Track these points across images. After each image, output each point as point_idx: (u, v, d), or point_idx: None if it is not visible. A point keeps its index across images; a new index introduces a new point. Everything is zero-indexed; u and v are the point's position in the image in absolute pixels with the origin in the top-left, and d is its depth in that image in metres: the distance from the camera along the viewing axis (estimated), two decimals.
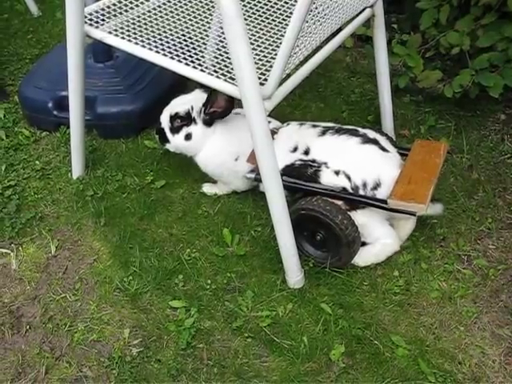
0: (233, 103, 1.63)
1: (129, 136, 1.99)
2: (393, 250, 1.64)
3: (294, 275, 1.56)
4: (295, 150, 1.65)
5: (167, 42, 1.50)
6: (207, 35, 1.56)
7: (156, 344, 1.47)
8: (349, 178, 1.57)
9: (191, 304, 1.53)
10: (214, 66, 1.42)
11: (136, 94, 1.98)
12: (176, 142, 1.75)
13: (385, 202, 1.54)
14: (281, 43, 1.28)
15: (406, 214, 1.55)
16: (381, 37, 1.82)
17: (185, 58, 1.45)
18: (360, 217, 1.58)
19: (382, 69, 1.87)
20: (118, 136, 1.97)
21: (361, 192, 1.57)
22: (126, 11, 1.61)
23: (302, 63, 1.47)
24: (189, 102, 1.73)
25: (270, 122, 1.67)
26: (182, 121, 1.72)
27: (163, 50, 1.47)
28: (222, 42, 1.54)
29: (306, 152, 1.63)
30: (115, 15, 1.60)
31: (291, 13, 1.39)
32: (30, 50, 2.48)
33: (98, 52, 2.01)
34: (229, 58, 1.41)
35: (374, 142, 1.64)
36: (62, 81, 1.98)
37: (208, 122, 1.73)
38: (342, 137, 1.64)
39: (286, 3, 1.69)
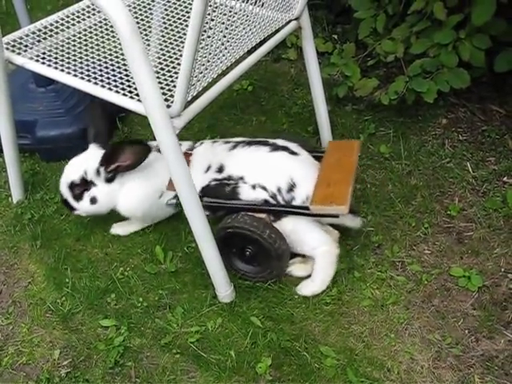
0: (146, 150, 1.62)
1: (70, 158, 2.00)
2: (335, 255, 1.62)
3: (223, 290, 1.56)
4: (208, 169, 1.65)
5: (87, 66, 1.52)
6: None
7: (85, 364, 1.47)
8: (264, 188, 1.58)
9: (121, 322, 1.54)
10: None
11: (76, 117, 2.00)
12: (83, 209, 1.69)
13: (307, 208, 1.55)
14: None
15: (329, 217, 1.57)
16: (310, 48, 1.83)
17: (102, 81, 1.47)
18: (286, 225, 1.58)
19: (314, 80, 1.88)
20: (60, 158, 1.99)
21: (278, 198, 1.57)
22: (51, 36, 1.64)
23: (217, 79, 1.48)
24: (80, 165, 1.67)
25: (180, 144, 1.67)
26: (81, 187, 1.66)
27: (81, 73, 1.49)
28: None
29: (220, 170, 1.64)
30: (39, 41, 1.63)
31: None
32: None
33: (38, 77, 2.02)
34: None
35: (283, 148, 1.66)
36: None
37: (110, 178, 1.67)
38: (251, 148, 1.65)
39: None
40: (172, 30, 1.68)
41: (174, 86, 1.43)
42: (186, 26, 1.67)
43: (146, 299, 1.60)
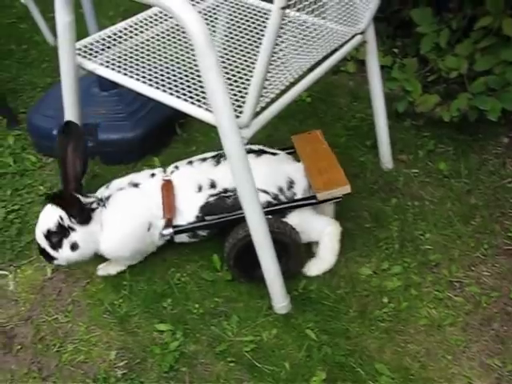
0: (71, 200, 1.56)
1: (129, 162, 2.04)
2: (338, 233, 1.70)
3: (280, 301, 1.57)
4: (200, 188, 1.63)
5: (155, 73, 1.54)
6: (195, 65, 1.59)
7: (140, 366, 1.49)
8: (265, 191, 1.60)
9: (177, 327, 1.56)
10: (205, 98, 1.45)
11: (137, 122, 2.03)
12: (64, 257, 1.59)
13: (314, 197, 1.61)
14: None
15: (333, 200, 1.63)
16: (374, 62, 1.83)
17: (170, 88, 1.49)
18: (293, 220, 1.61)
19: (376, 94, 1.87)
20: (119, 162, 2.03)
21: (280, 197, 1.62)
22: (120, 43, 1.67)
23: (286, 90, 1.49)
24: (55, 211, 1.57)
25: (153, 173, 1.68)
26: (58, 234, 1.57)
27: (150, 80, 1.52)
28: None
29: (213, 185, 1.63)
30: (109, 47, 1.66)
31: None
32: (43, 78, 2.57)
33: (103, 81, 2.07)
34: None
35: (263, 151, 1.70)
36: None
37: (84, 220, 1.58)
38: None
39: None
40: (237, 39, 1.69)
41: (242, 97, 1.45)
42: (252, 35, 1.69)
43: (201, 306, 1.61)
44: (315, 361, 1.48)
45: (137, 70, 1.58)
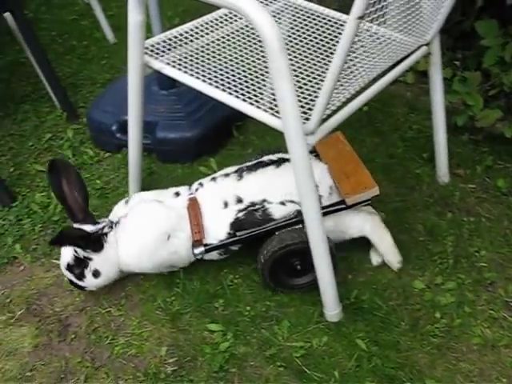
0: (80, 233, 1.58)
1: (185, 161, 2.06)
2: (381, 221, 1.71)
3: (332, 309, 1.56)
4: (226, 205, 1.63)
5: (221, 75, 1.56)
6: (261, 69, 1.61)
7: (190, 364, 1.51)
8: (293, 201, 1.60)
9: (228, 328, 1.57)
10: (270, 103, 1.46)
11: (195, 121, 2.06)
12: (91, 284, 1.64)
13: (343, 202, 1.61)
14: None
15: (362, 203, 1.63)
16: (437, 74, 1.81)
17: (236, 91, 1.51)
18: (328, 223, 1.58)
19: (437, 106, 1.85)
20: (176, 161, 2.05)
21: None
22: (186, 43, 1.69)
23: (351, 99, 1.49)
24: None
25: (177, 192, 1.69)
26: (78, 267, 1.61)
27: (216, 82, 1.53)
28: None
29: (240, 201, 1.62)
30: (175, 47, 1.68)
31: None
32: (103, 74, 2.62)
33: (162, 80, 2.11)
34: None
35: (283, 160, 1.69)
36: (126, 106, 2.10)
37: (97, 248, 1.60)
38: (258, 171, 1.66)
39: (335, 39, 1.72)
40: (301, 45, 1.69)
41: (307, 103, 1.45)
42: (316, 42, 1.69)
43: (253, 309, 1.62)
44: (365, 371, 1.47)
45: (203, 71, 1.59)
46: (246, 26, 1.78)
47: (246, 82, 1.55)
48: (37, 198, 1.97)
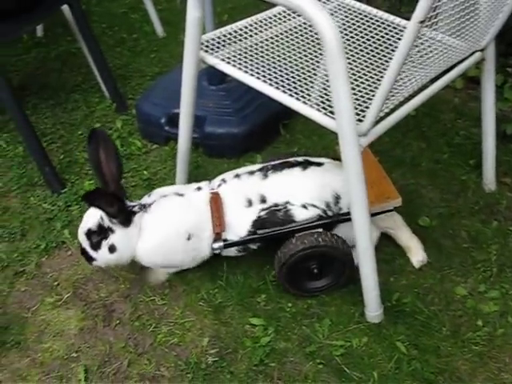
0: (114, 197, 1.56)
1: (232, 157, 2.09)
2: (401, 219, 1.76)
3: (373, 310, 1.57)
4: (250, 203, 1.61)
5: (275, 73, 1.58)
6: (313, 69, 1.62)
7: (231, 356, 1.53)
8: (314, 205, 1.60)
9: (270, 323, 1.59)
10: (322, 103, 1.47)
11: (243, 118, 2.09)
12: (102, 258, 1.62)
13: None
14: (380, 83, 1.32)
15: (384, 212, 1.66)
16: (489, 81, 1.80)
17: (289, 90, 1.52)
18: (340, 229, 1.62)
19: (487, 113, 1.84)
20: (222, 155, 2.08)
21: (328, 213, 1.61)
22: (240, 40, 1.71)
23: (402, 103, 1.50)
24: (97, 211, 1.58)
25: (199, 187, 1.68)
26: (98, 235, 1.59)
27: (270, 79, 1.55)
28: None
29: (263, 200, 1.61)
30: (229, 44, 1.71)
31: (392, 52, 1.43)
32: (151, 67, 2.67)
33: (212, 75, 2.14)
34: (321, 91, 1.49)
35: (309, 162, 1.67)
36: (175, 99, 2.13)
37: (125, 221, 1.58)
38: (284, 172, 1.65)
39: (395, 42, 1.72)
40: (353, 47, 1.70)
41: (359, 105, 1.46)
42: (369, 44, 1.69)
43: (294, 305, 1.63)
44: (404, 374, 1.47)
45: (257, 68, 1.62)
46: (299, 26, 1.80)
47: (300, 80, 1.56)
48: (86, 185, 2.02)
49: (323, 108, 1.44)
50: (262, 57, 1.68)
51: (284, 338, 1.56)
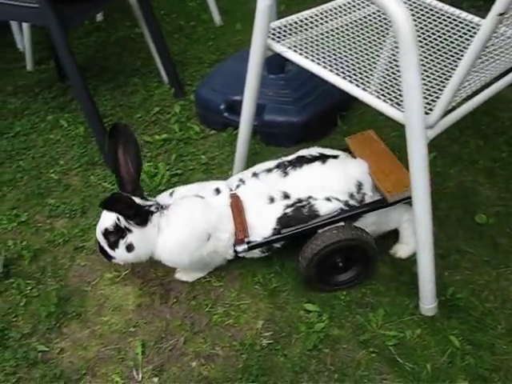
0: (130, 201, 1.54)
1: (289, 145, 2.11)
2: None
3: (428, 302, 1.57)
4: (272, 200, 1.61)
5: (341, 63, 1.59)
6: (379, 60, 1.62)
7: (285, 340, 1.56)
8: (337, 199, 1.59)
9: (324, 310, 1.61)
10: (382, 91, 1.48)
11: (302, 107, 2.11)
12: (120, 257, 1.63)
13: (383, 200, 1.61)
14: (450, 75, 1.32)
15: (403, 201, 1.63)
16: None
17: (356, 80, 1.53)
18: (369, 219, 1.63)
19: None
20: (279, 144, 2.11)
21: (351, 202, 1.61)
22: (306, 30, 1.73)
23: (468, 97, 1.50)
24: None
25: (218, 189, 1.66)
26: (115, 234, 1.59)
27: (336, 69, 1.57)
28: (391, 68, 1.60)
29: (287, 196, 1.61)
30: (296, 32, 1.73)
31: (464, 46, 1.42)
32: (209, 55, 2.71)
33: (272, 64, 2.16)
34: (397, 84, 1.49)
35: (325, 156, 1.67)
36: (235, 86, 2.18)
37: (141, 222, 1.57)
38: (304, 168, 1.64)
39: (460, 37, 1.72)
40: (423, 38, 1.70)
41: (426, 98, 1.47)
42: (435, 38, 1.69)
43: (348, 294, 1.65)
44: (457, 368, 1.48)
45: (323, 57, 1.63)
46: (365, 18, 1.80)
47: (366, 72, 1.57)
48: (145, 167, 2.07)
49: (389, 99, 1.45)
50: (327, 46, 1.69)
51: (338, 326, 1.58)
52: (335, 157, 1.69)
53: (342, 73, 1.56)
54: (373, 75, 1.57)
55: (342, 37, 1.74)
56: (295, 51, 1.65)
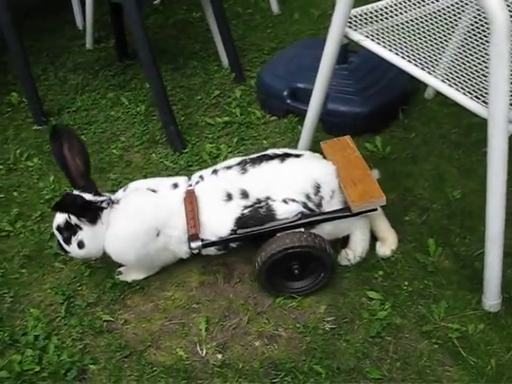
0: (80, 201, 1.55)
1: (350, 135, 2.11)
2: (369, 225, 1.71)
3: (493, 298, 1.57)
4: (230, 197, 1.59)
5: (418, 54, 1.59)
6: (460, 52, 1.62)
7: (347, 326, 1.57)
8: (294, 200, 1.57)
9: (386, 299, 1.61)
10: (459, 84, 1.48)
11: (366, 98, 2.11)
12: (74, 253, 1.63)
13: (347, 209, 1.58)
14: None
15: (368, 211, 1.61)
16: None
17: (434, 71, 1.53)
18: (326, 227, 1.61)
19: None
20: (341, 133, 2.10)
21: (309, 204, 1.58)
22: (387, 18, 1.73)
23: None
24: None
25: (176, 184, 1.66)
26: (67, 231, 1.60)
27: (414, 60, 1.57)
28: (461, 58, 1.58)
29: (245, 194, 1.59)
30: (373, 21, 1.73)
31: None
32: (267, 43, 2.72)
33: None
34: (467, 75, 1.50)
35: (287, 155, 1.65)
36: (298, 73, 2.21)
37: (91, 220, 1.58)
38: (262, 165, 1.62)
39: None
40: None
41: None
42: None
43: (411, 284, 1.65)
44: None
45: (400, 48, 1.63)
46: (447, 8, 1.79)
47: (447, 63, 1.57)
48: (207, 147, 2.10)
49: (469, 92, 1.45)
50: (408, 36, 1.68)
51: (400, 315, 1.59)
52: (297, 156, 1.66)
53: (421, 64, 1.57)
54: (457, 67, 1.56)
55: (418, 29, 1.75)
56: (372, 40, 1.66)
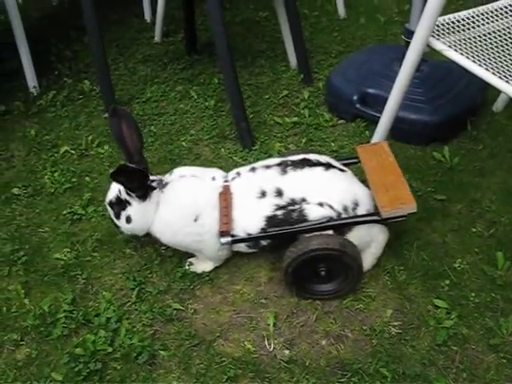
0: (139, 173, 1.59)
1: (418, 144, 2.12)
2: (386, 241, 1.71)
3: None
4: (264, 194, 1.60)
5: (502, 66, 1.59)
6: None
7: (414, 331, 1.58)
8: (331, 206, 1.57)
9: (453, 308, 1.62)
10: None
11: (436, 108, 2.11)
12: (123, 227, 1.71)
13: (377, 214, 1.59)
14: None
15: (398, 218, 1.59)
16: None
17: None
18: (352, 238, 1.61)
19: None
20: (409, 141, 2.12)
21: (343, 216, 1.59)
22: (468, 29, 1.74)
23: None
24: (117, 185, 1.67)
25: (214, 177, 1.69)
26: (118, 206, 1.68)
27: (498, 72, 1.57)
28: None
29: (279, 193, 1.60)
30: (455, 32, 1.74)
31: None
32: (334, 46, 2.74)
33: None
34: None
35: (330, 165, 1.64)
36: (369, 78, 2.23)
37: (141, 196, 1.64)
38: (305, 170, 1.62)
39: None
40: None
41: None
42: None
43: (478, 296, 1.66)
44: None
45: (484, 59, 1.63)
46: None
47: None
48: (276, 146, 2.13)
49: None
50: (486, 48, 1.69)
51: (466, 325, 1.59)
52: (341, 170, 1.67)
53: (505, 77, 1.57)
54: None
55: (500, 40, 1.74)
56: (456, 50, 1.67)
